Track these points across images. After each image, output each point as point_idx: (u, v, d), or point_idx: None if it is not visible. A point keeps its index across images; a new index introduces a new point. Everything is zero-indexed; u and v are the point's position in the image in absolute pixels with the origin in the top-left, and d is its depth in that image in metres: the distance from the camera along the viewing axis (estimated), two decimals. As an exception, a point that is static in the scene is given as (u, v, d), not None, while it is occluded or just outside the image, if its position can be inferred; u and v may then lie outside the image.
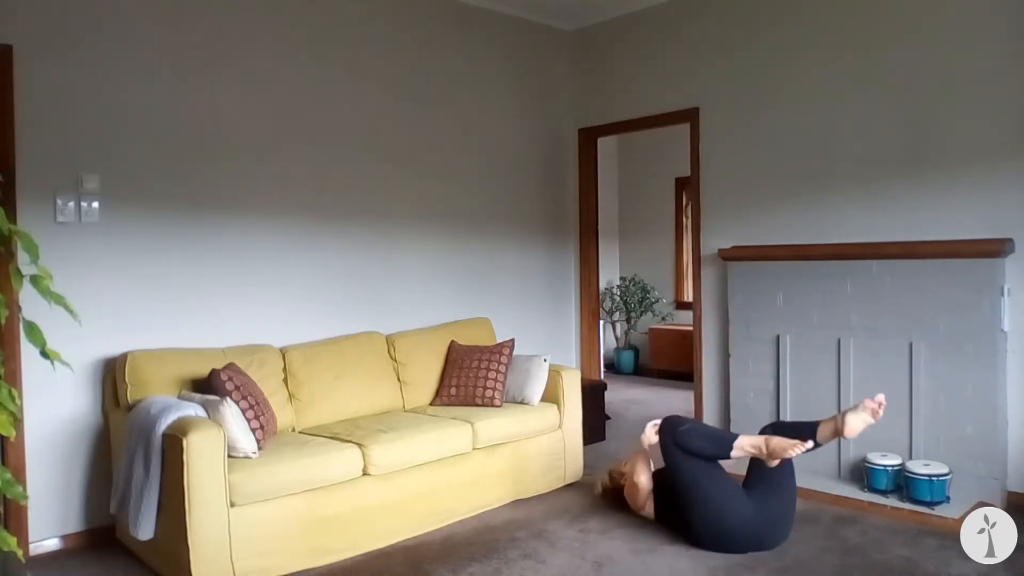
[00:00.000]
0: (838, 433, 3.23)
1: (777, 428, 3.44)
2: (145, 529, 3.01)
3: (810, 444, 3.19)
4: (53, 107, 3.39)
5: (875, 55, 4.14)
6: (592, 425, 4.92)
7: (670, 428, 3.39)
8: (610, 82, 5.48)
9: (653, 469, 3.65)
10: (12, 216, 3.20)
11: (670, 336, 7.80)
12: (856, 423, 3.20)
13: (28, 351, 3.22)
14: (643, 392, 7.11)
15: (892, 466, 3.81)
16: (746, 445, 3.26)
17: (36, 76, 3.34)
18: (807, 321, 4.27)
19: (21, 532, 3.25)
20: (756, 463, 3.34)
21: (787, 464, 3.29)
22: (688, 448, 3.31)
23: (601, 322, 6.07)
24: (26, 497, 1.57)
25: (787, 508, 3.34)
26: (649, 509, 3.62)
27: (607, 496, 3.92)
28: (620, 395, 6.80)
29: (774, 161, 4.57)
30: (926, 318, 3.84)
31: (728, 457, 3.29)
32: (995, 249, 3.64)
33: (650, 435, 3.60)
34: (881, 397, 3.21)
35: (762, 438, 3.26)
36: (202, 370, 3.42)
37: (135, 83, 3.61)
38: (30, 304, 1.90)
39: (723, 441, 3.32)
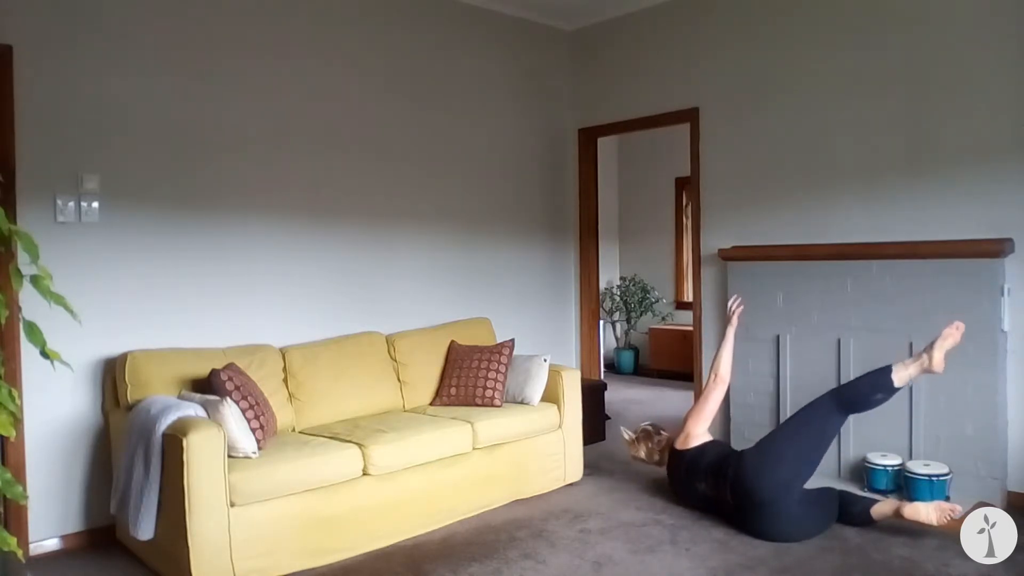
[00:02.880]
0: (927, 370, 3.34)
1: (847, 389, 3.53)
2: (145, 529, 3.01)
3: (961, 324, 3.30)
4: (53, 107, 3.39)
5: (875, 54, 4.14)
6: (592, 425, 4.92)
7: (836, 387, 3.55)
8: (610, 82, 5.48)
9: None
10: (12, 216, 3.20)
11: (670, 336, 7.79)
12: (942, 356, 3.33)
13: (28, 351, 3.22)
14: (643, 392, 7.11)
15: (892, 466, 3.81)
16: (909, 364, 3.35)
17: (36, 76, 3.33)
18: (807, 321, 4.27)
19: (21, 532, 3.25)
20: (825, 489, 3.50)
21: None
22: (847, 396, 3.41)
23: (601, 322, 6.07)
24: (26, 497, 1.57)
25: (817, 518, 3.41)
26: (700, 434, 3.71)
27: (647, 442, 3.97)
28: (620, 395, 6.80)
29: (774, 161, 4.57)
30: (926, 318, 3.84)
31: (892, 387, 3.35)
32: (995, 249, 3.64)
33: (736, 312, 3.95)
34: (958, 507, 3.27)
35: (920, 353, 3.36)
36: (202, 370, 3.42)
37: (135, 83, 3.61)
38: (30, 304, 1.91)
39: (879, 376, 3.40)
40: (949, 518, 3.21)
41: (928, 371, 3.33)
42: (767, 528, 3.34)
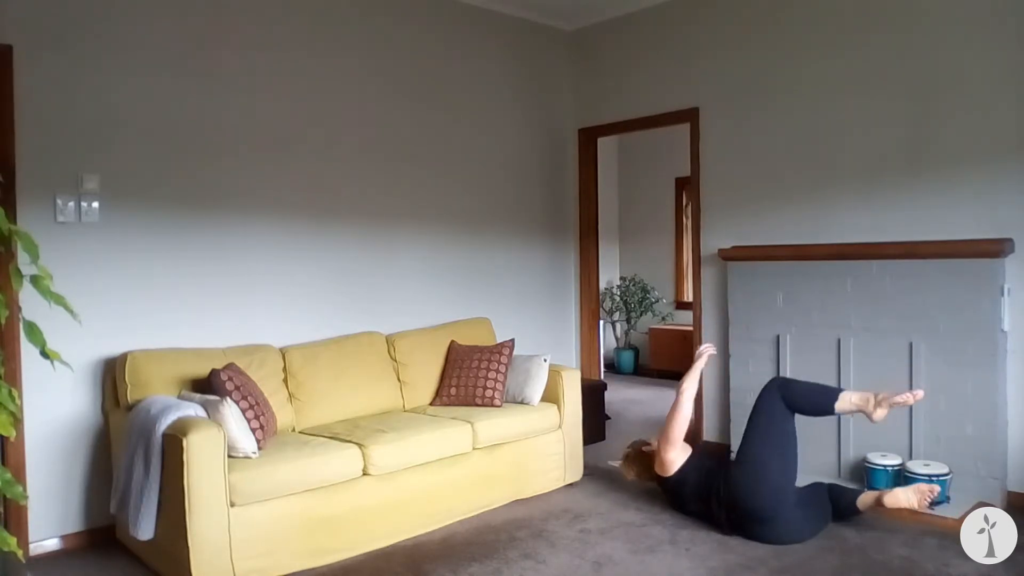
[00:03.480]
0: (865, 414, 3.36)
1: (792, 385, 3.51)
2: (145, 529, 3.01)
3: (921, 394, 3.29)
4: (53, 107, 3.39)
5: (875, 54, 4.14)
6: (592, 425, 4.92)
7: (778, 378, 3.52)
8: (610, 82, 5.48)
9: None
10: (12, 216, 3.20)
11: (670, 336, 7.79)
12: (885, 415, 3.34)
13: (28, 351, 3.22)
14: (643, 392, 7.11)
15: (892, 466, 3.81)
16: (853, 397, 3.35)
17: (36, 76, 3.33)
18: (807, 321, 4.27)
19: (21, 532, 3.25)
20: (813, 487, 3.49)
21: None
22: (791, 394, 3.39)
23: (601, 322, 6.07)
24: (26, 497, 1.57)
25: (815, 518, 3.39)
26: (677, 458, 3.62)
27: (634, 466, 3.90)
28: (620, 395, 6.80)
29: (774, 161, 4.57)
30: (926, 318, 3.84)
31: (832, 409, 3.37)
32: (995, 249, 3.64)
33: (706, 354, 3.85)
34: (937, 488, 3.32)
35: (869, 392, 3.36)
36: (202, 370, 3.42)
37: (135, 83, 3.61)
38: (30, 304, 1.91)
39: (828, 392, 3.41)
40: (929, 498, 3.25)
41: (865, 415, 3.34)
42: (769, 536, 3.32)
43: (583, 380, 4.59)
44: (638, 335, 8.30)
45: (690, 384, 3.75)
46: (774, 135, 4.56)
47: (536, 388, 4.19)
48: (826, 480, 3.69)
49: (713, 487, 3.46)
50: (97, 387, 3.52)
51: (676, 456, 3.62)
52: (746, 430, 3.49)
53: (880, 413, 3.30)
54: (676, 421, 3.64)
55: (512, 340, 4.38)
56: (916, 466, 3.69)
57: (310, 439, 3.50)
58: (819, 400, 3.41)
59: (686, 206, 7.89)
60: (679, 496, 3.65)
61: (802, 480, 3.52)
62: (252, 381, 3.48)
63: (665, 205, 8.25)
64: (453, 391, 4.23)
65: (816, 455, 4.12)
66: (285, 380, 3.82)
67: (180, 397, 3.30)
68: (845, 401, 3.35)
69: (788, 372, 4.34)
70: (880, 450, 3.94)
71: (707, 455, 3.76)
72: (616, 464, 4.04)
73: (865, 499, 3.40)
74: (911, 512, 3.41)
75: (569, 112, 5.69)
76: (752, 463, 3.36)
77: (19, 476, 3.25)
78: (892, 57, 4.08)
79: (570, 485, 4.24)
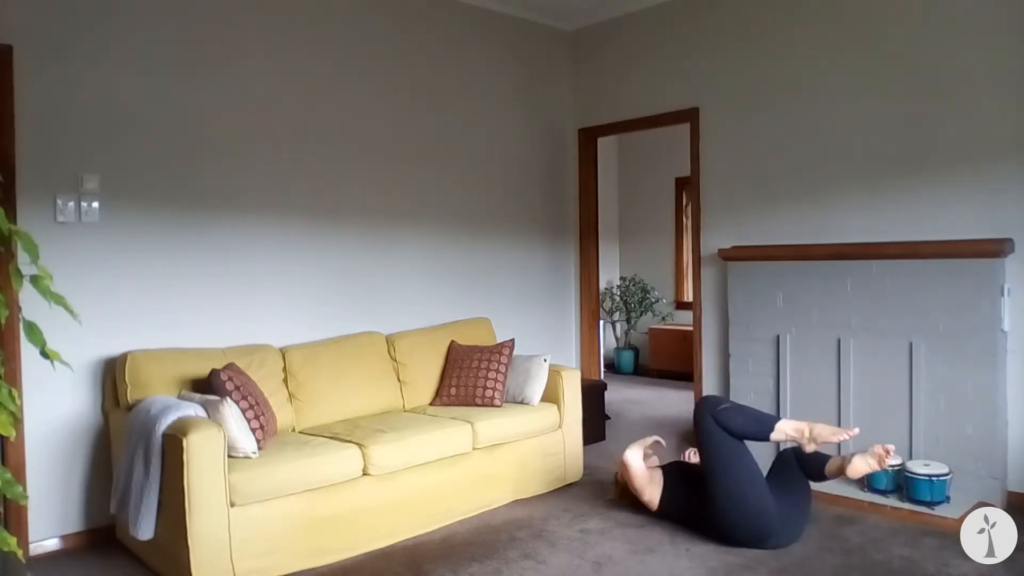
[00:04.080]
0: (801, 444, 3.34)
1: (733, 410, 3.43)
2: (145, 529, 3.01)
3: (856, 431, 3.26)
4: (53, 107, 3.39)
5: (875, 54, 4.14)
6: (592, 425, 4.92)
7: (710, 405, 3.41)
8: (610, 82, 5.48)
9: (660, 463, 3.73)
10: (12, 216, 3.20)
11: (670, 336, 7.80)
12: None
13: (28, 351, 3.22)
14: (643, 392, 7.11)
15: (892, 466, 3.79)
16: (788, 429, 3.31)
17: (36, 76, 3.33)
18: (807, 321, 4.27)
19: (21, 532, 3.25)
20: (780, 460, 3.47)
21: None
22: (727, 426, 3.32)
23: (601, 322, 6.07)
24: (26, 497, 1.57)
25: (803, 509, 3.38)
26: (653, 496, 3.61)
27: (623, 495, 3.85)
28: (620, 395, 6.80)
29: (774, 161, 4.57)
30: (926, 318, 3.84)
31: (767, 439, 3.34)
32: (995, 249, 3.64)
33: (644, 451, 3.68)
34: (891, 447, 3.30)
35: (805, 423, 3.33)
36: (202, 370, 3.42)
37: (135, 83, 3.61)
38: (30, 304, 1.91)
39: (764, 422, 3.36)
40: (887, 458, 3.25)
41: (802, 445, 3.32)
42: (768, 547, 3.29)
43: (583, 380, 4.59)
44: (638, 335, 8.30)
45: (634, 449, 3.65)
46: (774, 135, 4.56)
47: (536, 388, 4.19)
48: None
49: (698, 523, 3.43)
50: (97, 387, 3.52)
51: (652, 494, 3.60)
52: (704, 465, 3.40)
53: (812, 447, 3.30)
54: (632, 476, 3.62)
55: (512, 340, 4.39)
56: (916, 466, 3.69)
57: (310, 439, 3.50)
58: (754, 430, 3.35)
59: (686, 206, 7.89)
60: (670, 518, 3.63)
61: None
62: (252, 381, 3.48)
63: (665, 205, 8.25)
64: (453, 391, 4.23)
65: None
66: (285, 380, 3.82)
67: (180, 397, 3.30)
68: (780, 432, 3.32)
69: (788, 372, 4.34)
70: (880, 450, 3.94)
71: (678, 476, 3.65)
72: (612, 499, 3.95)
73: (831, 467, 3.37)
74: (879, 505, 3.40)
75: (569, 112, 5.69)
76: (727, 499, 3.27)
77: (19, 476, 3.25)
78: (892, 57, 4.08)
79: (570, 485, 4.24)
